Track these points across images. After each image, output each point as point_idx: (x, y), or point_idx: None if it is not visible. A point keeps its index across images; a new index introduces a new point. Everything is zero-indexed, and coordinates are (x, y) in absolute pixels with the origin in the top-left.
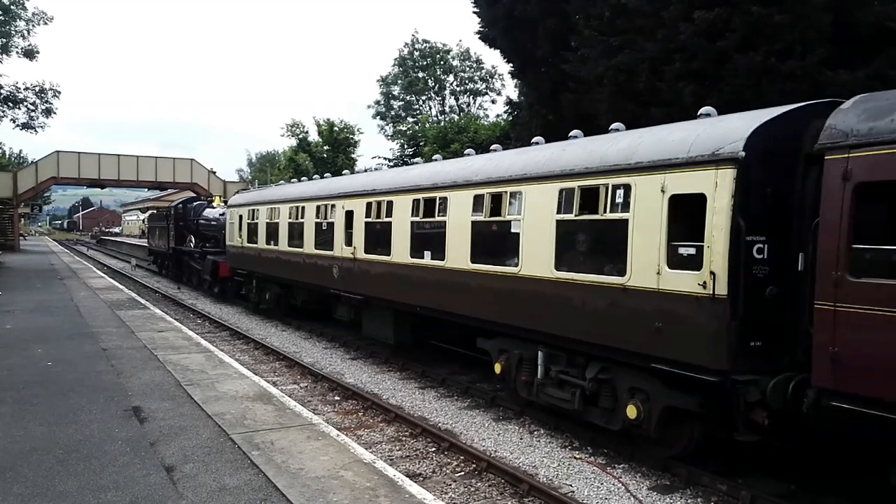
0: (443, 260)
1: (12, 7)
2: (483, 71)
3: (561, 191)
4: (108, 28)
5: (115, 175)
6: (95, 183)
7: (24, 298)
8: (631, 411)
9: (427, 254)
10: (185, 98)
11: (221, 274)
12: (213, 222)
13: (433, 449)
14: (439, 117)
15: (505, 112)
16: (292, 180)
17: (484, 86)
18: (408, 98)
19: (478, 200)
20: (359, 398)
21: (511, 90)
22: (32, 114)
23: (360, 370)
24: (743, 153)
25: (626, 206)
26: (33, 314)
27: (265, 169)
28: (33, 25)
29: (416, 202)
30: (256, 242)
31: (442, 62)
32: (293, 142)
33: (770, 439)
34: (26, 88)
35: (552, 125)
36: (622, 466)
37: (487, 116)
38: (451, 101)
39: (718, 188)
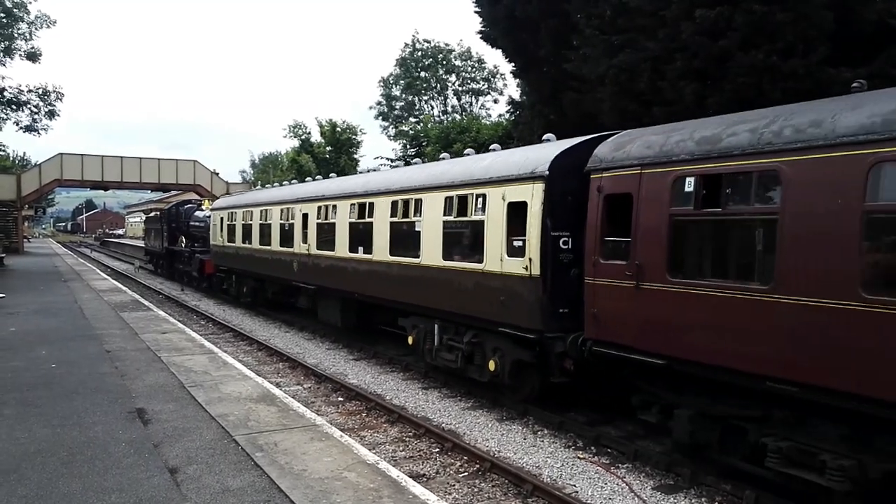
0: (371, 254)
1: (15, 10)
2: (485, 71)
3: (446, 198)
4: (110, 30)
5: (119, 177)
6: (99, 185)
7: (28, 300)
8: (492, 365)
9: (360, 249)
10: (187, 99)
11: (207, 271)
12: (201, 224)
13: (437, 449)
14: (441, 117)
15: (507, 112)
16: (272, 185)
17: (486, 85)
18: (409, 98)
19: (394, 205)
20: (362, 399)
21: (513, 90)
22: (35, 116)
23: (363, 371)
24: (548, 172)
25: (483, 210)
26: (37, 316)
27: (268, 170)
28: (36, 28)
29: (352, 206)
30: (234, 242)
31: (444, 62)
32: (296, 142)
33: (575, 381)
34: (29, 91)
35: (554, 124)
36: (626, 466)
37: (489, 116)
38: (452, 100)
39: (534, 197)
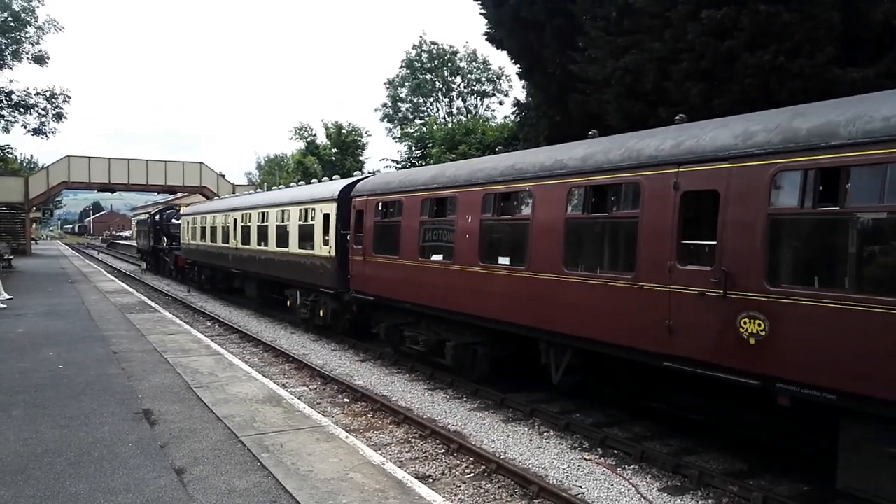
0: (267, 246)
1: (23, 14)
2: (490, 72)
3: (300, 210)
4: (117, 33)
5: (125, 179)
6: (106, 187)
7: (36, 302)
8: (321, 313)
9: (262, 244)
10: (194, 103)
11: (179, 264)
12: (179, 226)
13: (442, 451)
14: (447, 119)
15: (512, 113)
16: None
17: (491, 87)
18: (415, 100)
19: (280, 214)
20: (368, 400)
21: (518, 91)
22: (43, 119)
23: (369, 372)
24: (338, 196)
25: (313, 217)
26: (45, 318)
27: (274, 172)
28: (44, 33)
29: (258, 215)
30: (195, 241)
31: (449, 64)
32: (301, 144)
33: (357, 318)
34: (37, 94)
35: (560, 126)
36: (632, 468)
37: (495, 118)
38: (458, 102)
39: (332, 211)
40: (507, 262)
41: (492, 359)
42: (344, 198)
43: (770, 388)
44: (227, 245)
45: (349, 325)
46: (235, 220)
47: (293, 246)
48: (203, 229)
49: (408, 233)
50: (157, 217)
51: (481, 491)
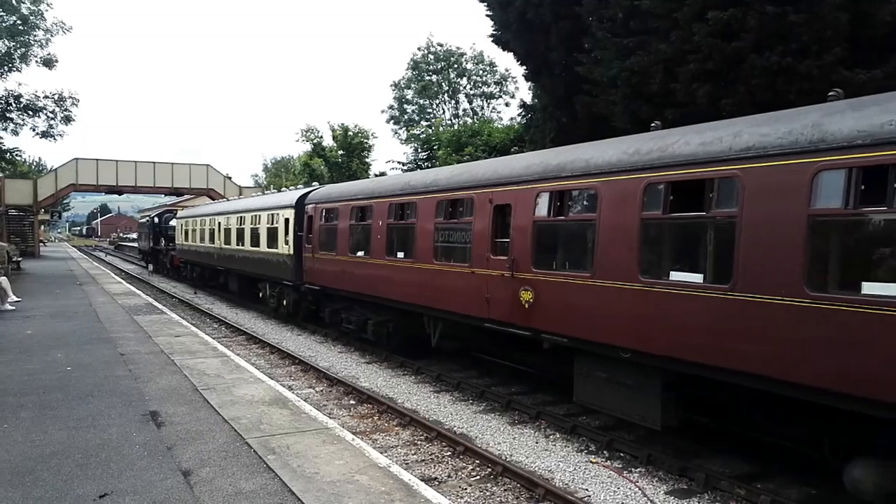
0: (244, 246)
1: (31, 17)
2: (496, 74)
3: (267, 214)
4: (125, 35)
5: (133, 181)
6: (113, 189)
7: (45, 304)
8: (284, 302)
9: (240, 244)
10: (201, 105)
11: (174, 263)
12: (175, 229)
13: (448, 453)
14: (453, 121)
15: (518, 115)
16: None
17: (497, 89)
18: (421, 102)
19: (254, 218)
20: (374, 402)
21: (525, 93)
22: (52, 122)
23: (375, 374)
24: (294, 203)
25: (277, 221)
26: (53, 319)
27: (280, 174)
28: (52, 35)
29: (237, 219)
30: (187, 241)
31: (455, 66)
32: (308, 147)
33: (312, 306)
34: (45, 97)
35: (566, 127)
36: (639, 470)
37: (501, 119)
38: (464, 104)
39: (291, 216)
40: (403, 256)
41: (402, 333)
42: (300, 205)
43: (538, 337)
44: (212, 245)
45: (307, 312)
46: (219, 223)
47: (263, 245)
48: (193, 231)
49: (341, 234)
50: (157, 220)
51: (487, 494)
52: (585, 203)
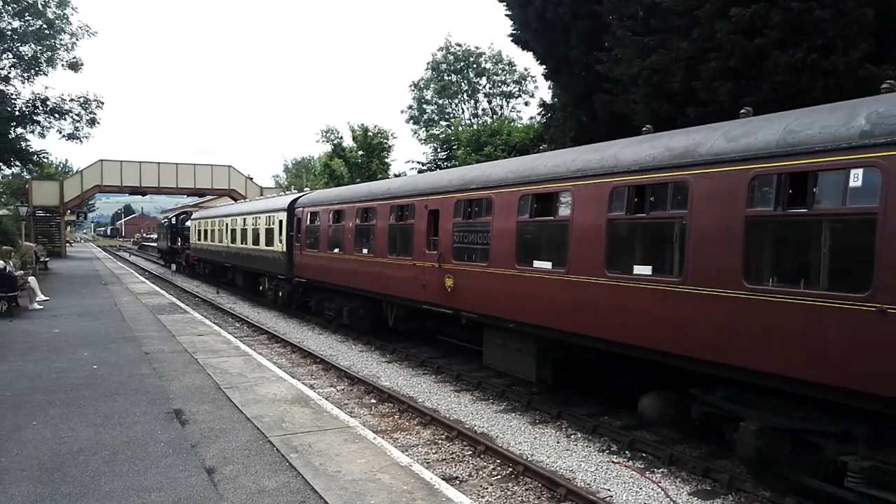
0: (247, 244)
1: (57, 21)
2: (515, 73)
3: (266, 216)
4: (144, 35)
5: (156, 182)
6: (137, 190)
7: (71, 303)
8: (280, 294)
9: (243, 243)
10: (222, 105)
11: (189, 261)
12: (189, 229)
13: (469, 452)
14: (472, 121)
15: (538, 114)
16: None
17: (517, 88)
18: (440, 102)
19: (255, 220)
20: (395, 401)
21: (544, 92)
22: (77, 124)
23: (395, 373)
24: (287, 207)
25: (272, 222)
26: (80, 318)
27: (301, 174)
28: (77, 39)
29: (242, 220)
30: (201, 241)
31: (475, 65)
32: (328, 147)
33: (303, 297)
34: (71, 100)
35: (586, 126)
36: (661, 471)
37: (520, 119)
38: (483, 104)
39: (284, 218)
40: (367, 252)
41: (370, 317)
42: (291, 208)
43: (457, 315)
44: (221, 244)
45: (299, 302)
46: (227, 224)
47: (262, 244)
48: (205, 231)
49: (322, 233)
50: (174, 221)
51: (509, 493)
52: (485, 209)
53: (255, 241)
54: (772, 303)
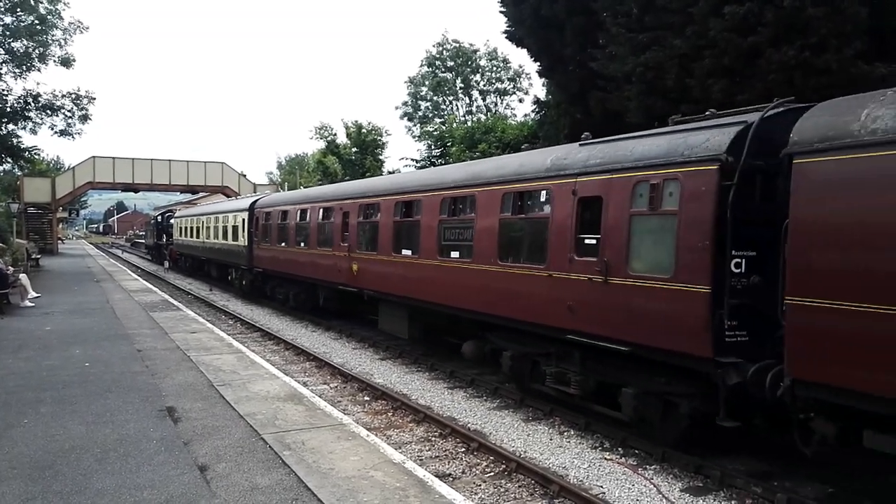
0: (218, 240)
1: (49, 17)
2: (510, 70)
3: (248, 215)
4: (137, 32)
5: (149, 179)
6: (129, 187)
7: (63, 300)
8: (244, 282)
9: (216, 238)
10: (215, 102)
11: (172, 256)
12: (173, 227)
13: (462, 449)
14: (466, 117)
15: (532, 111)
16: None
17: (511, 85)
18: (435, 98)
19: (239, 217)
20: (388, 398)
21: (538, 89)
22: (70, 120)
23: (389, 371)
24: (248, 207)
25: (235, 220)
26: (71, 316)
27: (294, 171)
28: (70, 35)
29: (216, 218)
30: (182, 237)
31: (470, 62)
32: (322, 144)
33: (263, 286)
34: (63, 96)
35: (580, 124)
36: (654, 467)
37: (514, 116)
38: (478, 100)
39: (246, 217)
40: (303, 245)
41: (310, 300)
42: (252, 209)
43: (362, 294)
44: (198, 240)
45: (260, 290)
46: (203, 222)
47: (230, 239)
48: (185, 228)
49: (273, 230)
50: (159, 219)
51: (501, 490)
52: (376, 211)
53: (225, 237)
54: (510, 273)
